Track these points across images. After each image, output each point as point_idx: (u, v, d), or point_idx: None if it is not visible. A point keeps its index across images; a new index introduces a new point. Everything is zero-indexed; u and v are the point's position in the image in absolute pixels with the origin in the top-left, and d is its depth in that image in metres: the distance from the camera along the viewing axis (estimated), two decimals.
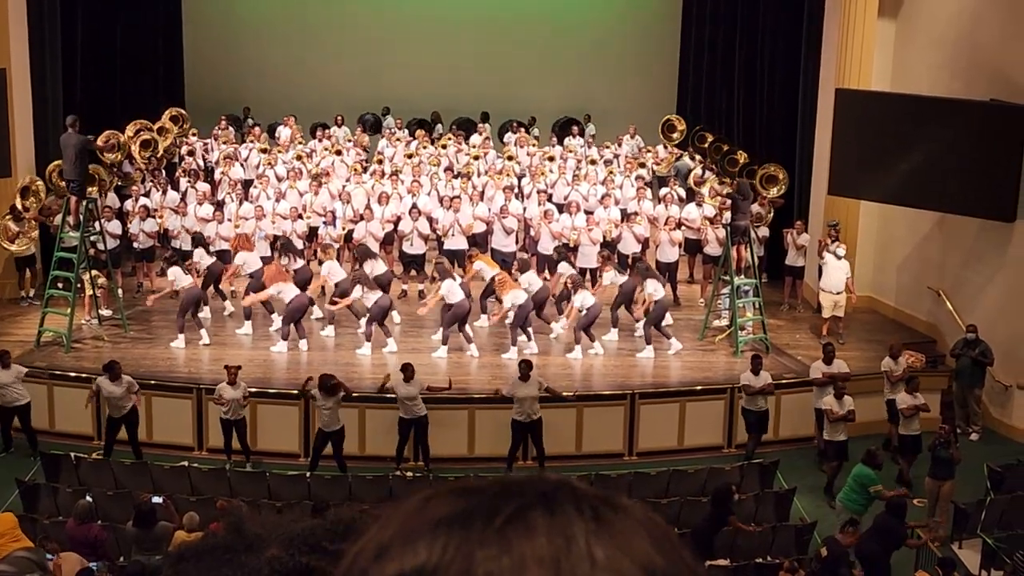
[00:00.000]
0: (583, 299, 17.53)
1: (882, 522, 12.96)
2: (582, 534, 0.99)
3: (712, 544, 12.83)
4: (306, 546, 1.36)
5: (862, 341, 18.95)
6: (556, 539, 0.98)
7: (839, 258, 18.67)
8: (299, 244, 19.38)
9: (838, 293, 18.64)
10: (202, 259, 18.76)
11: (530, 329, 17.87)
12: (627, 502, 1.05)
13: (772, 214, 21.05)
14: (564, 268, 18.64)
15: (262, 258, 18.79)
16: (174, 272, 18.18)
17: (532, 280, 18.12)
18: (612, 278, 18.15)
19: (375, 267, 18.35)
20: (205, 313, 19.03)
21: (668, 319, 18.37)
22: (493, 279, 18.23)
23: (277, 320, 18.22)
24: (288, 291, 17.54)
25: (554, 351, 18.09)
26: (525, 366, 15.70)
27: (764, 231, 20.84)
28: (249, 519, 1.47)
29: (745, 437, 16.61)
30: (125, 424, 15.68)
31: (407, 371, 15.61)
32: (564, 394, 16.16)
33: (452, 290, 17.42)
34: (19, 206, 19.32)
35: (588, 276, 19.31)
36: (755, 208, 20.30)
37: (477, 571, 0.96)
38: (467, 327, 17.79)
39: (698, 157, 23.95)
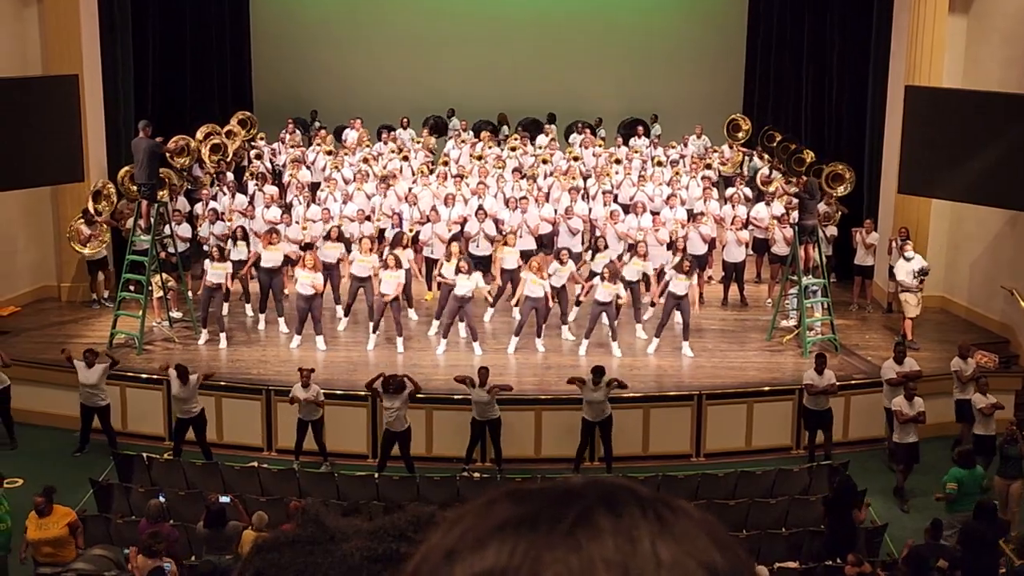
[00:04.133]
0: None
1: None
2: (647, 535, 1.00)
3: (852, 544, 12.81)
4: (390, 536, 1.37)
5: (933, 341, 18.71)
6: (622, 541, 0.99)
7: (908, 260, 18.46)
8: (367, 245, 19.24)
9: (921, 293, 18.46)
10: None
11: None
12: (684, 503, 1.06)
13: (840, 213, 20.84)
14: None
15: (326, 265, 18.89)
16: (218, 267, 18.31)
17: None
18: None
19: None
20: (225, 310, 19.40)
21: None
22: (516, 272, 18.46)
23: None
24: (301, 281, 17.67)
25: (625, 351, 18.03)
26: (598, 372, 15.69)
27: (832, 230, 20.66)
28: (327, 515, 1.48)
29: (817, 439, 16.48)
30: (193, 426, 15.91)
31: (481, 375, 15.65)
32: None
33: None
34: (91, 210, 19.61)
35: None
36: (823, 207, 20.14)
37: (546, 573, 0.97)
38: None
39: (766, 156, 23.77)
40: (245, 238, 19.18)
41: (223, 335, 18.37)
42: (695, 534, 1.02)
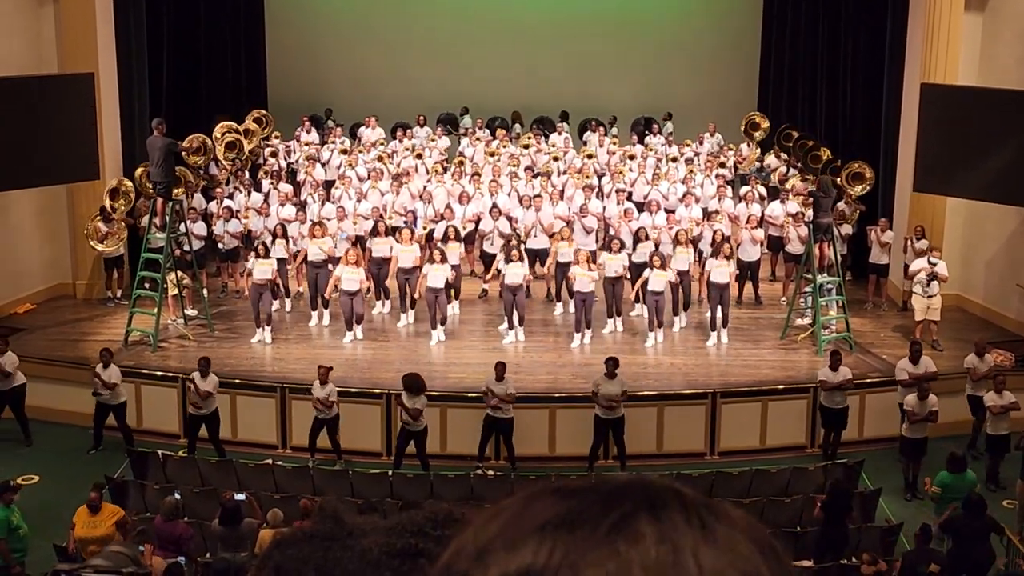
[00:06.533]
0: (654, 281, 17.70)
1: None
2: (688, 542, 0.97)
3: (843, 548, 12.79)
4: (408, 532, 1.37)
5: (949, 340, 18.61)
6: (663, 547, 0.97)
7: (932, 264, 18.36)
8: (407, 236, 19.07)
9: (930, 297, 18.33)
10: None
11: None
12: (731, 509, 1.04)
13: (857, 212, 20.76)
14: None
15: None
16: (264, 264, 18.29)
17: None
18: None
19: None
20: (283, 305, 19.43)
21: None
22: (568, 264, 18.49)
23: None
24: (347, 278, 17.68)
25: (631, 348, 18.02)
26: (612, 363, 15.69)
27: (848, 228, 20.59)
28: (344, 511, 1.48)
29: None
30: (205, 423, 15.94)
31: (498, 370, 15.67)
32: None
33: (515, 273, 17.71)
34: (108, 207, 19.66)
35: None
36: (842, 206, 20.09)
37: None
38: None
39: (783, 155, 23.72)
40: (284, 236, 19.21)
41: (268, 331, 18.35)
42: (738, 541, 1.00)
